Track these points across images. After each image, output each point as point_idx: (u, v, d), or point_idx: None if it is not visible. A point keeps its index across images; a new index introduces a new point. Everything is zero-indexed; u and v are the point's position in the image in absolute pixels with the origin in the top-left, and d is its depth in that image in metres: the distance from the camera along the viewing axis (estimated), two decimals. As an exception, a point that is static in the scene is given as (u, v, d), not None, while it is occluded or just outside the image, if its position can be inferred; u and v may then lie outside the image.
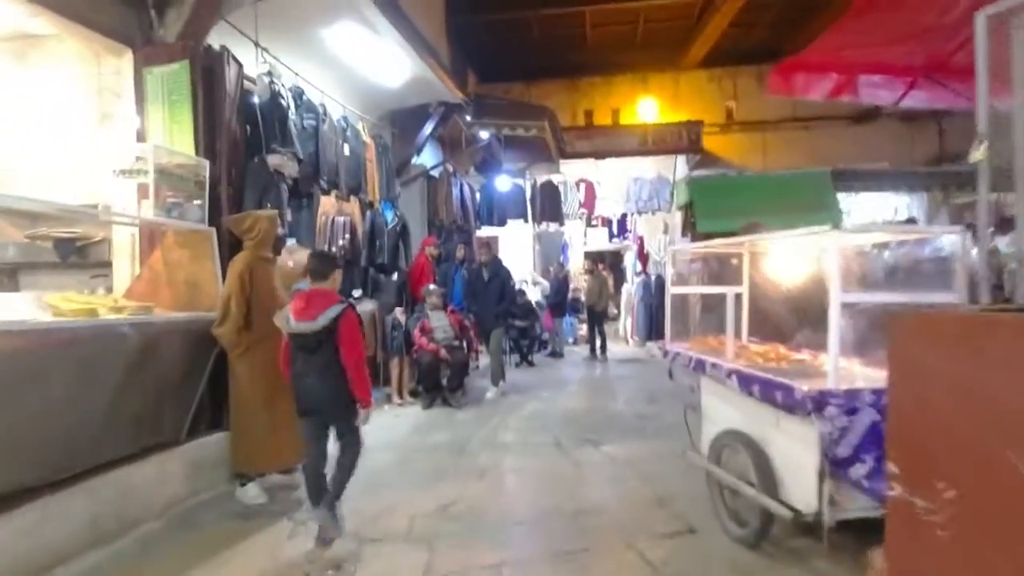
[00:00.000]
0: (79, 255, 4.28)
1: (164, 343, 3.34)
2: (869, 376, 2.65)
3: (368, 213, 6.85)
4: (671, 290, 4.33)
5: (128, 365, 3.11)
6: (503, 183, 10.51)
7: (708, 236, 5.08)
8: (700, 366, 3.53)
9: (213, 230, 3.85)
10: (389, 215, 6.98)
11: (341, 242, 6.76)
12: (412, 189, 8.61)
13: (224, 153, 4.07)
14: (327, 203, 6.93)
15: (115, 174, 3.50)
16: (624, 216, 14.93)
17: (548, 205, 11.33)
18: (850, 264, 2.75)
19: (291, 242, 6.89)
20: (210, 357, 3.71)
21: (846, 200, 10.98)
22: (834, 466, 2.45)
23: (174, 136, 3.91)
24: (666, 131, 11.47)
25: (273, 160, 4.42)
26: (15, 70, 4.49)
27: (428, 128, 8.14)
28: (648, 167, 13.76)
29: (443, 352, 6.64)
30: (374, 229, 6.87)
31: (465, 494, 3.95)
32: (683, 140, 11.35)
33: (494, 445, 5.18)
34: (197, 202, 3.73)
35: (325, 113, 5.45)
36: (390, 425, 5.88)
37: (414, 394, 6.97)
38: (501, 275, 7.36)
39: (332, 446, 3.25)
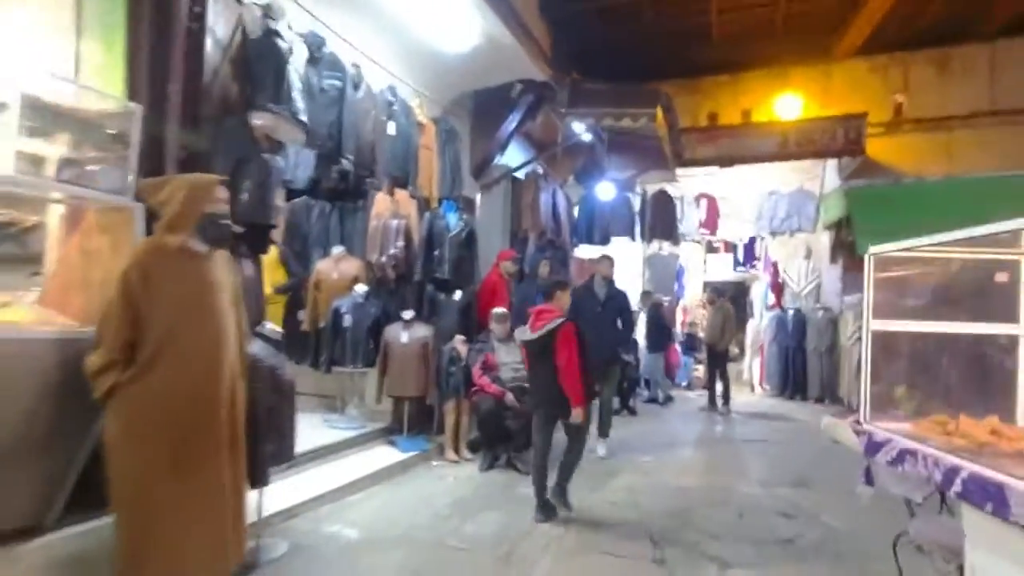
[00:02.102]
0: (15, 244, 3.23)
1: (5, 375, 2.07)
2: None
3: (426, 215, 5.52)
4: (871, 325, 2.43)
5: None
6: (606, 191, 8.81)
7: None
8: (977, 490, 1.62)
9: (137, 207, 2.60)
10: (452, 218, 5.60)
11: (393, 250, 5.49)
12: (493, 194, 7.24)
13: (176, 100, 2.85)
14: (382, 204, 5.73)
15: (-17, 114, 2.36)
16: (752, 241, 12.58)
17: (660, 220, 9.44)
18: None
19: (339, 250, 5.72)
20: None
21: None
22: None
23: (107, 73, 2.75)
24: (814, 129, 9.14)
25: (259, 121, 3.16)
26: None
27: (513, 120, 6.74)
28: (787, 178, 11.42)
29: (510, 397, 5.04)
30: (432, 235, 5.52)
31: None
32: (838, 140, 8.97)
33: (560, 549, 3.44)
34: (109, 165, 2.50)
35: (359, 77, 4.19)
36: (428, 494, 4.35)
37: (474, 448, 5.42)
38: (619, 298, 5.68)
39: None
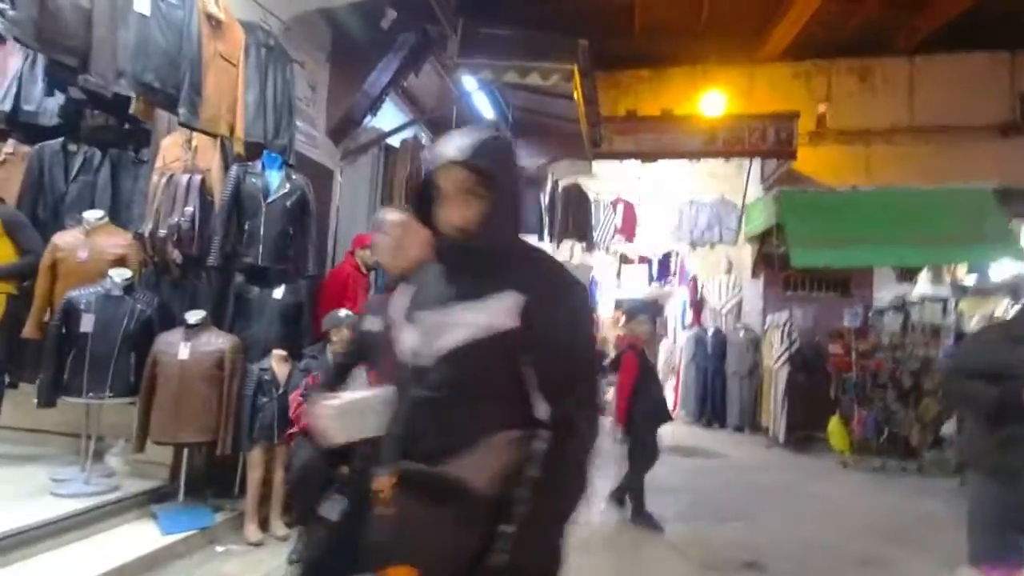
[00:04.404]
0: None
1: None
2: None
3: (232, 170, 3.73)
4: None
5: None
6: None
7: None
8: None
9: None
10: (274, 178, 3.82)
11: (177, 218, 3.67)
12: (360, 163, 5.54)
13: None
14: (171, 151, 3.93)
15: None
16: (668, 256, 11.61)
17: (574, 217, 8.08)
18: None
19: (95, 216, 3.74)
20: None
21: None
22: None
23: None
24: (743, 126, 8.20)
25: None
26: None
27: (389, 68, 5.11)
28: (708, 186, 10.56)
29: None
30: (241, 200, 3.72)
31: None
32: (768, 140, 8.08)
33: None
34: None
35: None
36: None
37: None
38: None
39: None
